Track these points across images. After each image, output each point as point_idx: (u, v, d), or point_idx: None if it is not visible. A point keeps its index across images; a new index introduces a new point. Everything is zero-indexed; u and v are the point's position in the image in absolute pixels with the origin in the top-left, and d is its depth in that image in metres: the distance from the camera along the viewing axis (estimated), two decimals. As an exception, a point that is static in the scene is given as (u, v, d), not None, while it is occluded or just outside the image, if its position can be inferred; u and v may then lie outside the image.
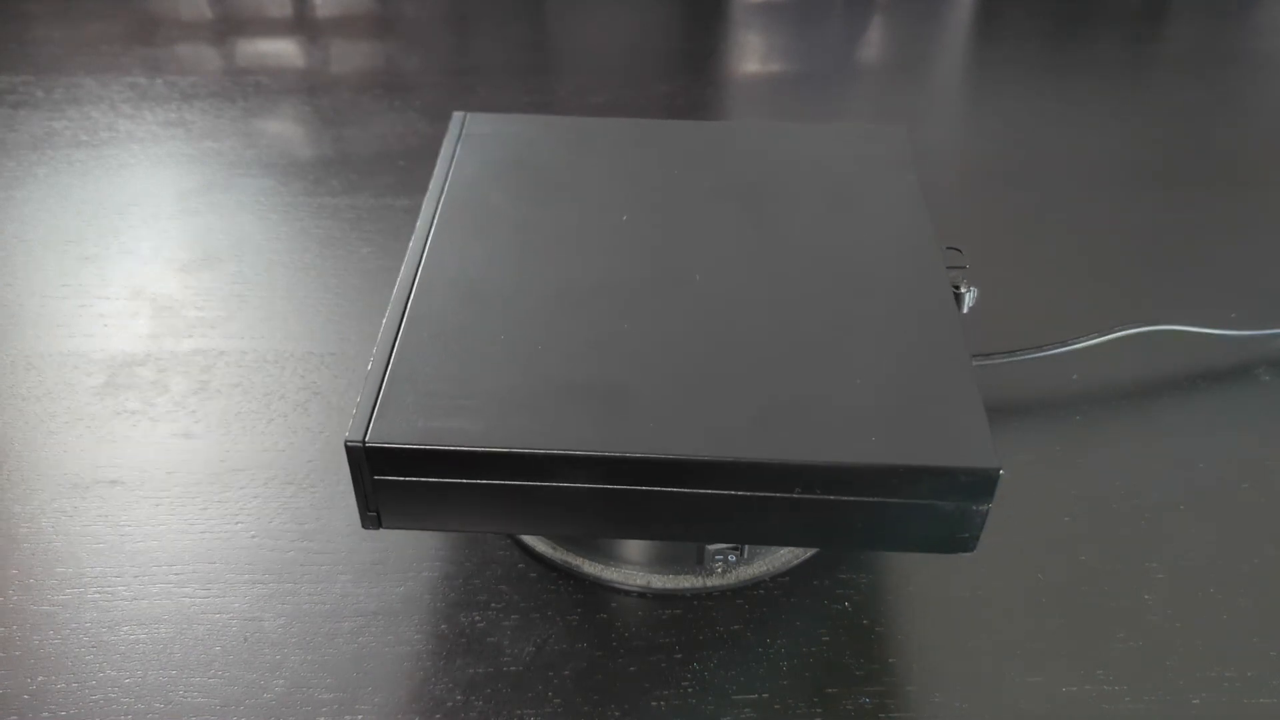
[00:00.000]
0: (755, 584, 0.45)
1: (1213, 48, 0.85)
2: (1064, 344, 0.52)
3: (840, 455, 0.35)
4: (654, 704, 0.41)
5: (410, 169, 0.69)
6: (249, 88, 0.77)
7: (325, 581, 0.45)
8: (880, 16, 0.90)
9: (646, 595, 0.44)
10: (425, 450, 0.36)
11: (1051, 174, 0.70)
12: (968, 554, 0.46)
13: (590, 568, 0.45)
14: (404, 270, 0.42)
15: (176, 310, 0.58)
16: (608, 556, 0.45)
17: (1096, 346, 0.52)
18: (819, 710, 0.41)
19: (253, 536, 0.46)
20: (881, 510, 0.36)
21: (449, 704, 0.41)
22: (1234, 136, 0.74)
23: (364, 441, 0.36)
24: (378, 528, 0.38)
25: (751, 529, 0.38)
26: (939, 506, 0.36)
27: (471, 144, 0.50)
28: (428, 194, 0.47)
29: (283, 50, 0.83)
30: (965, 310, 0.44)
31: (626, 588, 0.44)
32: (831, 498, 0.36)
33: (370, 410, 0.37)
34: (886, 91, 0.79)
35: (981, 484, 0.35)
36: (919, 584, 0.45)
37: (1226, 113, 0.76)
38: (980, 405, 0.37)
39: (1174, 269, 0.62)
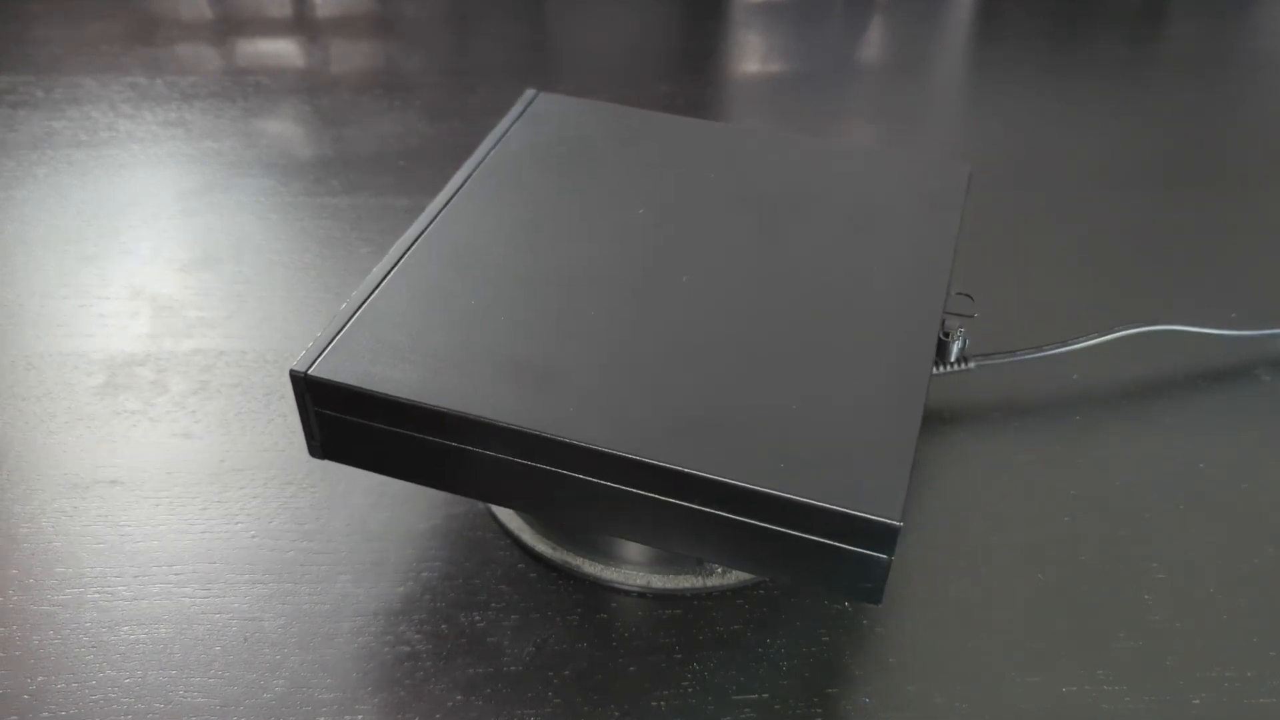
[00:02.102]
0: (755, 584, 0.45)
1: (1213, 48, 0.85)
2: (1064, 344, 0.52)
3: (739, 476, 0.35)
4: (654, 704, 0.41)
5: (410, 169, 0.69)
6: (249, 88, 0.77)
7: (325, 581, 0.45)
8: (880, 16, 0.90)
9: (646, 595, 0.44)
10: (359, 391, 0.37)
11: (1051, 174, 0.70)
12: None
13: (590, 568, 0.45)
14: (414, 226, 0.44)
15: (176, 310, 0.58)
16: (608, 556, 0.45)
17: (1096, 346, 0.52)
18: (819, 710, 0.41)
19: (253, 536, 0.46)
20: (779, 540, 0.36)
21: (449, 704, 0.41)
22: (1234, 136, 0.74)
23: (306, 373, 0.38)
24: (322, 457, 0.41)
25: (652, 531, 0.38)
26: (839, 549, 0.35)
27: (528, 121, 0.51)
28: (468, 160, 0.48)
29: (283, 50, 0.83)
30: (953, 358, 0.43)
31: (626, 588, 0.44)
32: (730, 517, 0.36)
33: (324, 345, 0.39)
34: (886, 91, 0.79)
35: (880, 535, 0.34)
36: (919, 584, 0.45)
37: (1226, 113, 0.76)
38: (908, 457, 0.35)
39: (1174, 269, 0.62)
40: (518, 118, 0.51)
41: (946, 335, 0.42)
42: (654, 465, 0.35)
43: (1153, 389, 0.54)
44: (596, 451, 0.36)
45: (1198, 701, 0.41)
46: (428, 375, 0.38)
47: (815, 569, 0.36)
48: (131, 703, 0.40)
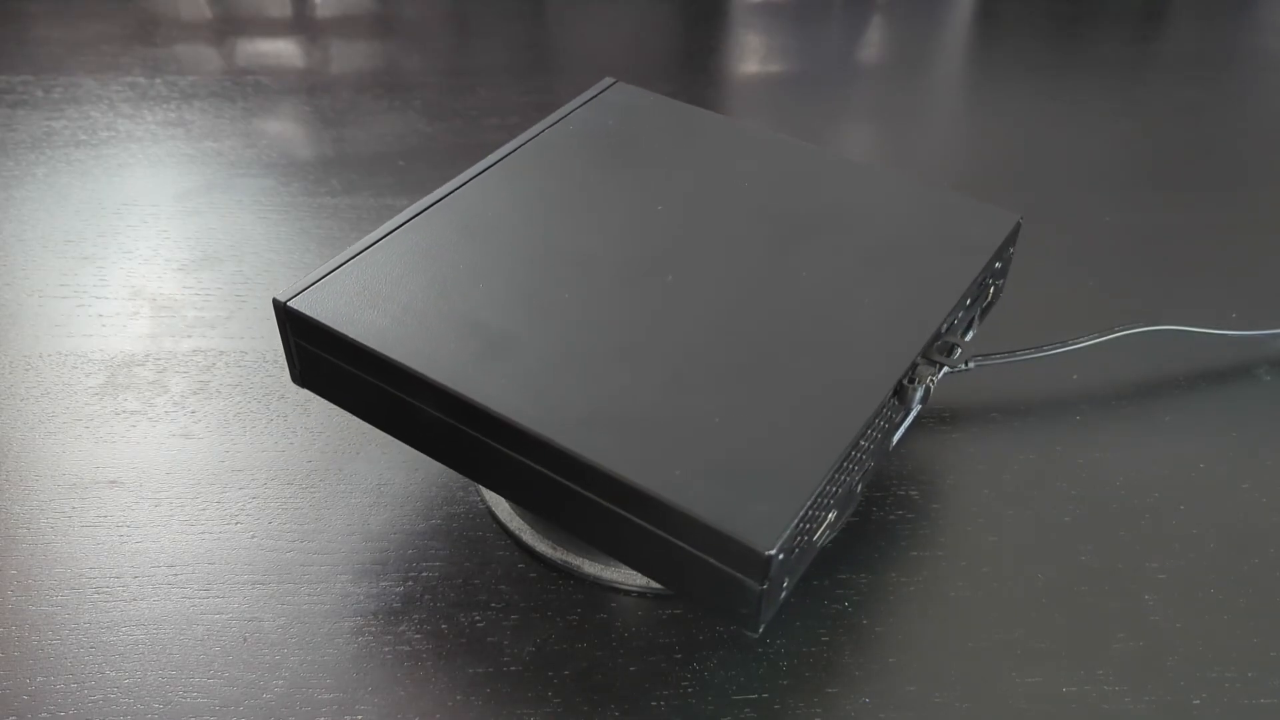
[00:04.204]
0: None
1: (1213, 48, 0.85)
2: (1064, 344, 0.52)
3: (631, 473, 0.35)
4: (654, 704, 0.41)
5: (410, 169, 0.69)
6: (249, 88, 0.77)
7: (325, 581, 0.45)
8: (880, 16, 0.90)
9: (646, 595, 0.44)
10: (325, 328, 0.40)
11: (1052, 174, 0.70)
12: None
13: (590, 568, 0.45)
14: (439, 190, 0.46)
15: (176, 310, 0.58)
16: (608, 556, 0.45)
17: (1096, 346, 0.52)
18: (819, 710, 0.40)
19: (252, 537, 0.46)
20: (664, 546, 0.36)
21: (449, 704, 0.41)
22: (1234, 136, 0.74)
23: (285, 303, 0.41)
24: (300, 385, 0.44)
25: (557, 512, 0.39)
26: (716, 568, 0.35)
27: (593, 108, 0.51)
28: (521, 135, 0.49)
29: (283, 50, 0.83)
30: (915, 405, 0.41)
31: (626, 588, 0.44)
32: (620, 512, 0.36)
33: (312, 282, 0.41)
34: (886, 91, 0.79)
35: (751, 561, 0.34)
36: (919, 584, 0.45)
37: (1226, 113, 0.76)
38: (806, 494, 0.35)
39: (1174, 269, 0.62)
40: (585, 103, 0.52)
41: (911, 381, 0.40)
42: (556, 447, 0.36)
43: (1153, 389, 0.54)
44: (508, 423, 0.37)
45: (1198, 701, 0.41)
46: (389, 325, 0.40)
47: (697, 583, 0.36)
48: (131, 703, 0.40)
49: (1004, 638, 0.43)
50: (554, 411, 0.37)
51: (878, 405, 0.38)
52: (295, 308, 0.41)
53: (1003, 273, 0.47)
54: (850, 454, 0.37)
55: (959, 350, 0.41)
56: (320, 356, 0.42)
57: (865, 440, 0.38)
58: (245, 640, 0.43)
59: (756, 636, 0.41)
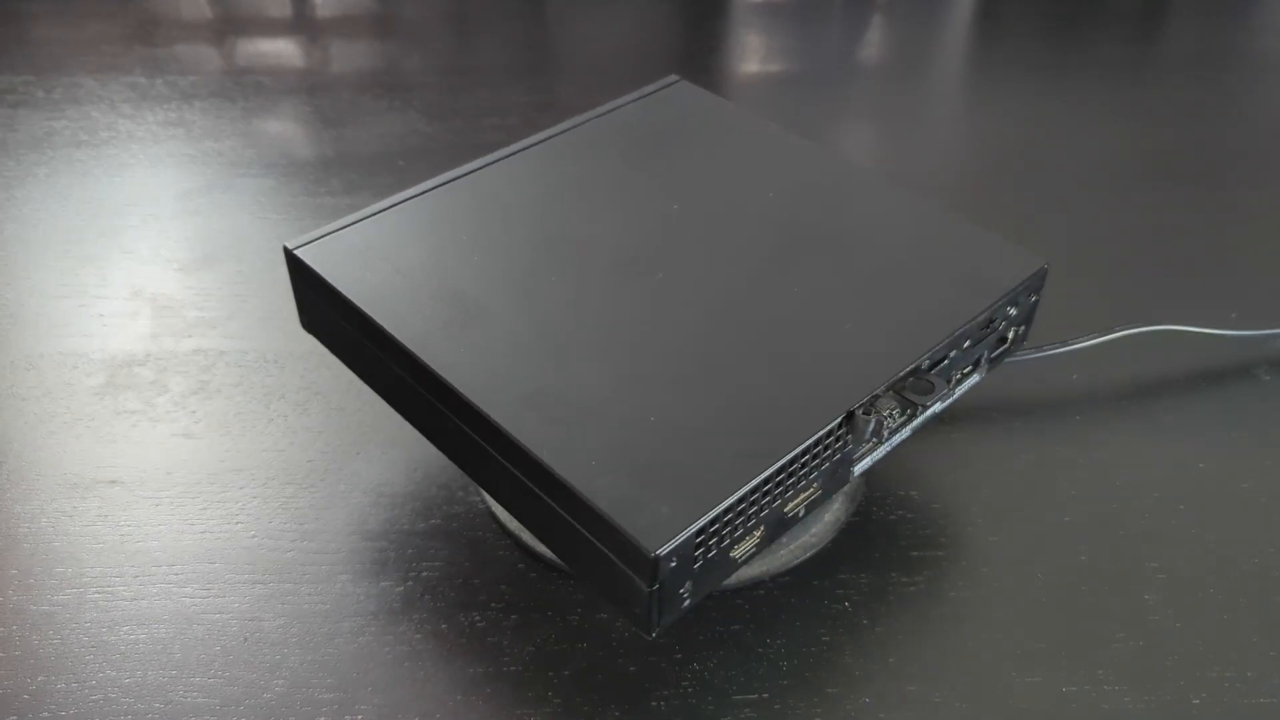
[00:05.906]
0: (755, 584, 0.45)
1: (1213, 48, 0.85)
2: (1064, 344, 0.52)
3: (545, 454, 0.35)
4: (654, 704, 0.41)
5: (410, 169, 0.69)
6: (249, 88, 0.77)
7: (325, 581, 0.45)
8: (880, 16, 0.90)
9: (646, 595, 0.44)
10: (321, 279, 0.42)
11: (1051, 174, 0.70)
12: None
13: (590, 568, 0.45)
14: (469, 164, 0.47)
15: (176, 310, 0.58)
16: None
17: (1096, 346, 0.52)
18: (819, 710, 0.40)
19: (253, 536, 0.46)
20: (573, 534, 0.36)
21: (449, 704, 0.41)
22: (1234, 136, 0.74)
23: (293, 250, 0.43)
24: (306, 330, 0.46)
25: (491, 484, 0.39)
26: (615, 565, 0.35)
27: (646, 104, 0.52)
28: (565, 122, 0.50)
29: (283, 50, 0.83)
30: (867, 437, 0.39)
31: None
32: (537, 492, 0.36)
33: (323, 234, 0.43)
34: (887, 91, 0.79)
35: (640, 560, 0.33)
36: (919, 584, 0.45)
37: (1226, 113, 0.76)
38: (711, 505, 0.34)
39: (1174, 269, 0.62)
40: (640, 98, 0.52)
41: (868, 413, 0.38)
42: (487, 418, 0.37)
43: (1153, 389, 0.54)
44: (451, 388, 0.38)
45: (1198, 701, 0.41)
46: (376, 283, 0.41)
47: (599, 577, 0.36)
48: (131, 703, 0.40)
49: (1004, 638, 0.43)
50: (496, 385, 0.38)
51: (819, 432, 0.37)
52: (301, 257, 0.42)
53: (1022, 319, 0.45)
54: (779, 476, 0.36)
55: (934, 393, 0.39)
56: (318, 305, 0.43)
57: (802, 465, 0.37)
58: (246, 640, 0.43)
59: (651, 639, 0.41)
